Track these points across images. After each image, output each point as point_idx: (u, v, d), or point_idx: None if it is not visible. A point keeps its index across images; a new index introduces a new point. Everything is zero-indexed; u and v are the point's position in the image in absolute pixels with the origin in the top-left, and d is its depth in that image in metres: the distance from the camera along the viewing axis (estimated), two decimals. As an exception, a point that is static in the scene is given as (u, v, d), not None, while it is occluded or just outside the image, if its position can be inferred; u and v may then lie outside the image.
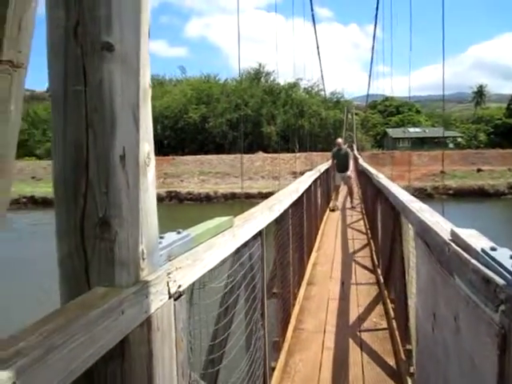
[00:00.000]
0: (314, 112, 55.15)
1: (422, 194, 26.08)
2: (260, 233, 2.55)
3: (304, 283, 5.40)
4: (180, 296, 1.33)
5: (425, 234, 2.14)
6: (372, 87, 36.43)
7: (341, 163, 12.81)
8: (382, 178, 6.12)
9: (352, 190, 13.72)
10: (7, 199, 1.03)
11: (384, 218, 5.52)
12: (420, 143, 57.93)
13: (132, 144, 1.10)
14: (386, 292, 4.88)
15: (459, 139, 63.28)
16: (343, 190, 13.92)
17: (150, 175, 1.19)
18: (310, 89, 59.78)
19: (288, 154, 38.81)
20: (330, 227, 10.05)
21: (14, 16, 1.16)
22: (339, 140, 13.96)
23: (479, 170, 37.23)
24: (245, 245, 2.19)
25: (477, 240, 1.45)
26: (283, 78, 59.05)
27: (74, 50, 1.05)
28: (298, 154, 31.27)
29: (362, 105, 77.33)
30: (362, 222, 10.53)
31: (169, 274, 1.25)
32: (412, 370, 3.03)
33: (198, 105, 53.83)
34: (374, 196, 7.67)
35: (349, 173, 12.97)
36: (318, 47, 29.54)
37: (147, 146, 1.16)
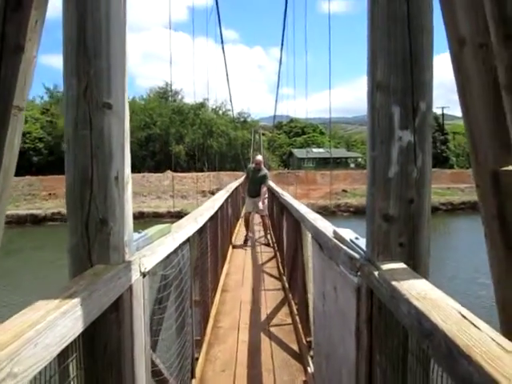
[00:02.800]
0: (223, 132, 56.28)
1: (326, 212, 26.89)
2: (188, 239, 3.11)
3: (219, 290, 5.98)
4: (145, 276, 1.87)
5: (318, 236, 2.81)
6: (278, 109, 37.91)
7: (253, 187, 10.28)
8: (286, 196, 6.86)
9: (266, 222, 10.66)
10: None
11: (288, 230, 6.24)
12: (323, 163, 60.59)
13: (121, 169, 1.65)
14: (290, 295, 5.57)
15: (359, 159, 66.98)
16: (254, 218, 12.04)
17: (129, 190, 1.73)
18: (217, 109, 60.94)
19: (197, 173, 39.29)
20: (239, 242, 10.63)
21: (22, 72, 1.74)
22: (259, 157, 10.86)
23: (376, 189, 39.73)
24: (179, 247, 2.75)
25: (348, 234, 2.12)
26: (191, 98, 59.75)
27: (83, 106, 1.59)
28: (206, 174, 31.87)
29: (268, 125, 79.40)
30: (269, 237, 11.20)
31: (140, 258, 1.79)
32: (312, 352, 3.70)
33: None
34: (279, 212, 8.40)
35: (260, 205, 10.09)
36: (226, 67, 30.36)
37: (128, 170, 1.71)
